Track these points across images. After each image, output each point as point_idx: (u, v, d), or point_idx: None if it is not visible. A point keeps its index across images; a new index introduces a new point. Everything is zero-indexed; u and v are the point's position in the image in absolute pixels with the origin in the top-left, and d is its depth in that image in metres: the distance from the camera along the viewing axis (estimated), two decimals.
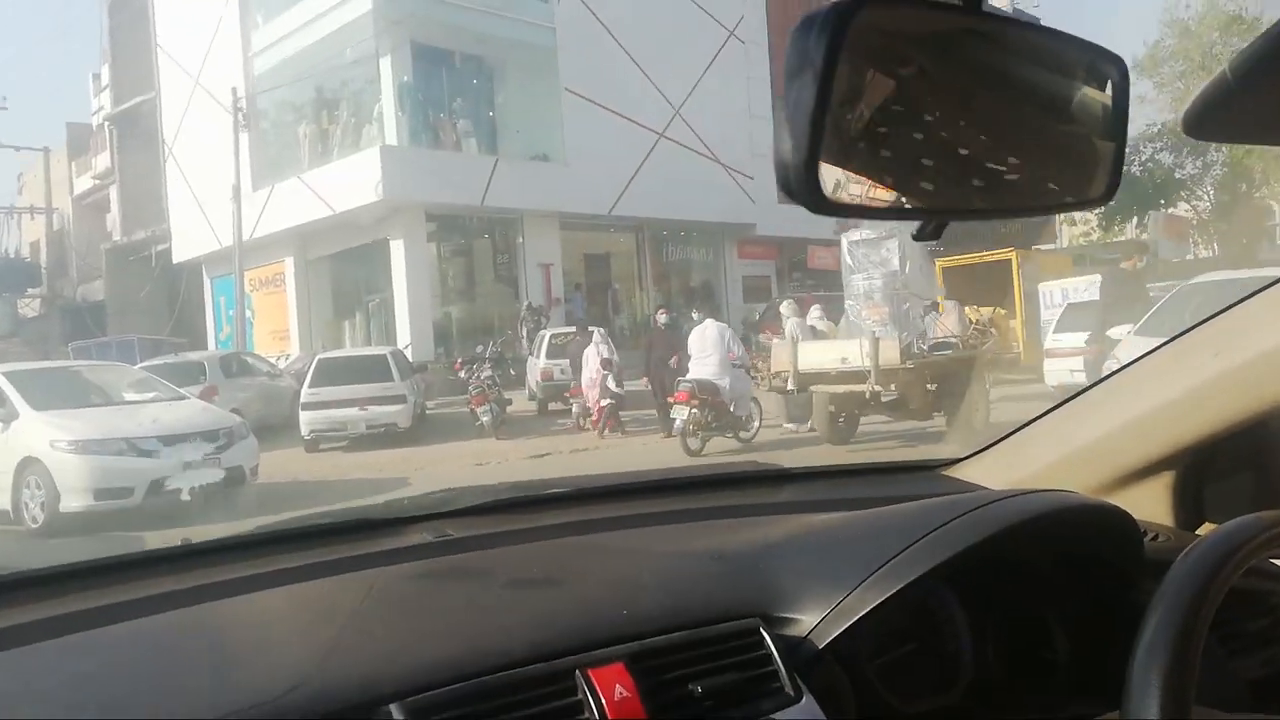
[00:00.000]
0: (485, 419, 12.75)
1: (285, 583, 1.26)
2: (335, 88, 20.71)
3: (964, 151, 0.81)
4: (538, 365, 15.36)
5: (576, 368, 13.50)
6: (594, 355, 12.64)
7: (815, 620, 1.17)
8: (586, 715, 0.99)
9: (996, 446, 1.74)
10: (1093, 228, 42.23)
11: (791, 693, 1.10)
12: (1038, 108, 0.86)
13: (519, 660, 1.02)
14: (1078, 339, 10.78)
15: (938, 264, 18.35)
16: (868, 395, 9.12)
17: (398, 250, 19.33)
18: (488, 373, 14.47)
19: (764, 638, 1.14)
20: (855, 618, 1.14)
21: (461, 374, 15.92)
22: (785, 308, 12.63)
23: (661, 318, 11.78)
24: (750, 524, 1.54)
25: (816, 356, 9.63)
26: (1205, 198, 38.29)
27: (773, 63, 26.27)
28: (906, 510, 1.40)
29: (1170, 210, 39.64)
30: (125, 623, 1.11)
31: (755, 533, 1.46)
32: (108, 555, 1.35)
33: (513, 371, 18.39)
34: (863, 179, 0.77)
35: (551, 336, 15.54)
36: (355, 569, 1.32)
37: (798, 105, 0.68)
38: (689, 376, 10.45)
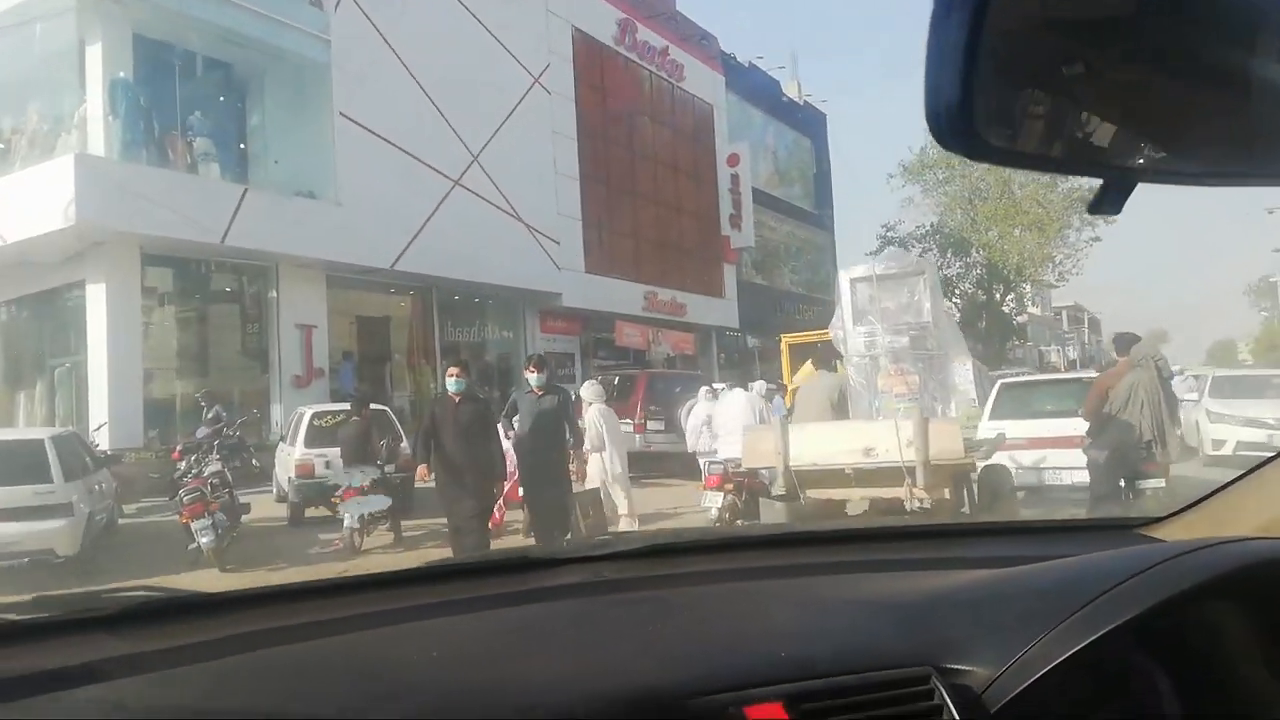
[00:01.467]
0: (204, 539, 8.36)
1: (449, 614, 1.32)
2: (20, 81, 15.54)
3: (1154, 104, 0.72)
4: (292, 456, 11.02)
5: (350, 458, 9.47)
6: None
7: (993, 673, 1.11)
8: None
9: (1202, 504, 1.57)
10: None
11: None
12: (1241, 62, 0.73)
13: (673, 696, 1.04)
14: (1042, 426, 8.31)
15: (783, 340, 16.02)
16: (907, 505, 5.94)
17: (97, 298, 14.30)
18: (215, 467, 10.05)
19: (937, 687, 1.09)
20: (1037, 674, 1.08)
21: (183, 466, 11.35)
22: (586, 390, 9.46)
23: (452, 382, 7.32)
24: (921, 577, 1.45)
25: (822, 447, 6.29)
26: (965, 295, 40.26)
27: (580, 120, 23.73)
28: (1093, 562, 1.32)
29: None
30: (297, 644, 1.18)
31: (926, 584, 1.39)
32: (296, 581, 1.49)
33: (256, 464, 13.90)
34: (1029, 126, 0.70)
35: (314, 417, 11.29)
36: (515, 604, 1.37)
37: (947, 43, 0.65)
38: (718, 456, 8.34)
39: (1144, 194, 0.75)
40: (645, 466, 14.95)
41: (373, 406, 10.79)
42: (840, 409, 7.08)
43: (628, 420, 14.71)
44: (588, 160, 23.77)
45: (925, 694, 1.10)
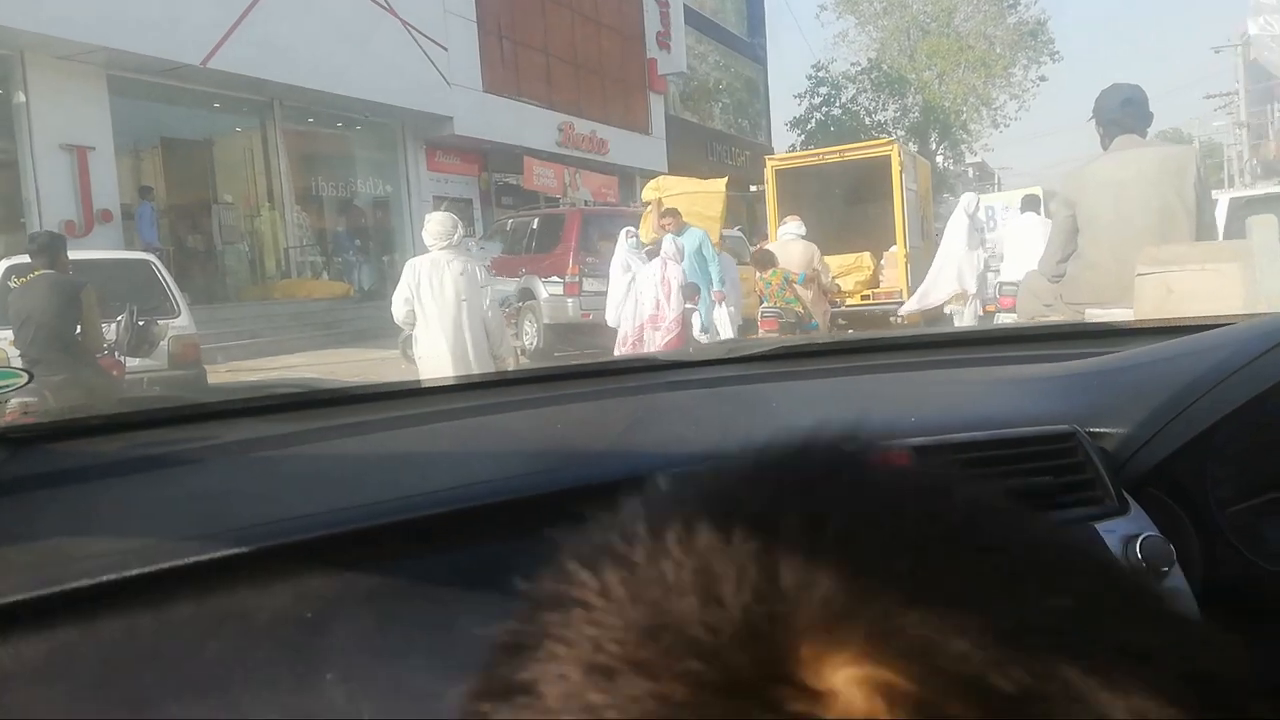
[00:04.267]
0: None
1: (576, 401, 1.38)
2: None
3: None
4: None
5: (33, 346, 4.80)
6: (656, 276, 7.60)
7: (1145, 435, 1.06)
8: None
9: None
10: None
11: (1116, 503, 1.02)
12: None
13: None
14: None
15: (768, 163, 11.68)
16: None
17: None
18: None
19: (1081, 444, 1.06)
20: (1188, 438, 1.03)
21: None
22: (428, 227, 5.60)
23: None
24: (1067, 363, 1.38)
25: None
26: (899, 140, 36.62)
27: None
28: (1256, 325, 1.22)
29: None
30: (432, 425, 1.25)
31: (1072, 365, 1.35)
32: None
33: None
34: None
35: (7, 274, 6.36)
36: (638, 394, 1.41)
37: None
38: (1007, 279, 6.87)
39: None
40: (581, 342, 10.71)
41: (115, 256, 6.03)
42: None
43: (556, 279, 10.35)
44: None
45: (1071, 450, 1.05)
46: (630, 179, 24.15)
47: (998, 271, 8.01)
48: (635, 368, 1.60)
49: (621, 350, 8.00)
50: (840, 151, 11.25)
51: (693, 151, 26.74)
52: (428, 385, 1.59)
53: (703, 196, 10.60)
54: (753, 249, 9.90)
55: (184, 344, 6.28)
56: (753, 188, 31.31)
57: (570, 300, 10.38)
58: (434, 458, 1.08)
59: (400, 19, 15.85)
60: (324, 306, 14.11)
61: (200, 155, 14.60)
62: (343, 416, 1.24)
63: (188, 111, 14.01)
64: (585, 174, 21.31)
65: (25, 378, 1.32)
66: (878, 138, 36.00)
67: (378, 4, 15.36)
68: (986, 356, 1.55)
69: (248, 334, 12.19)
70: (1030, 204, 8.76)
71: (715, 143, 29.17)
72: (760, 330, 7.56)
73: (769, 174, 11.05)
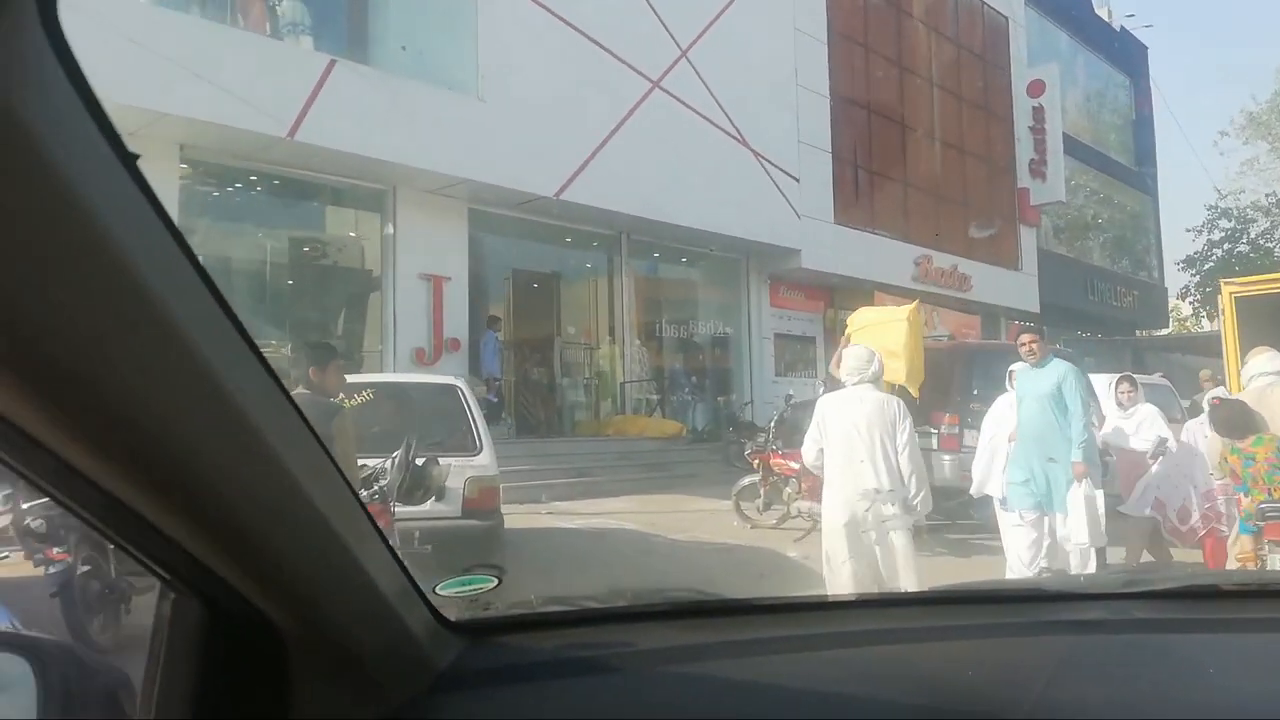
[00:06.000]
0: None
1: (972, 637, 1.30)
2: None
3: None
4: None
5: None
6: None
7: None
8: None
9: None
10: (1196, 313, 33.67)
11: None
12: None
13: None
14: None
15: (1224, 289, 8.89)
16: None
17: None
18: None
19: None
20: None
21: None
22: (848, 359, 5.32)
23: None
24: None
25: None
26: None
27: (833, 16, 17.32)
28: None
29: None
30: (841, 649, 1.21)
31: None
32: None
33: None
34: None
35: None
36: (1035, 634, 1.31)
37: None
38: None
39: None
40: (956, 512, 8.42)
41: (418, 379, 5.12)
42: None
43: (929, 429, 8.32)
44: (841, 73, 17.33)
45: None
46: (994, 319, 21.41)
47: None
48: (1026, 596, 1.51)
49: (1176, 530, 6.47)
50: None
51: (1069, 290, 23.46)
52: (831, 601, 1.70)
53: (882, 327, 8.17)
54: (1210, 400, 7.12)
55: (481, 487, 5.18)
56: (1139, 332, 26.89)
57: (947, 458, 8.22)
58: (830, 697, 1.05)
59: (753, 150, 15.16)
60: (655, 446, 13.13)
61: (548, 289, 14.58)
62: (738, 630, 1.25)
63: (539, 246, 14.09)
64: (943, 311, 19.07)
65: (495, 581, 1.39)
66: None
67: (731, 136, 14.79)
68: None
69: (575, 471, 11.38)
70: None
71: (1096, 280, 25.50)
72: (1264, 540, 4.81)
73: (1225, 303, 8.30)
